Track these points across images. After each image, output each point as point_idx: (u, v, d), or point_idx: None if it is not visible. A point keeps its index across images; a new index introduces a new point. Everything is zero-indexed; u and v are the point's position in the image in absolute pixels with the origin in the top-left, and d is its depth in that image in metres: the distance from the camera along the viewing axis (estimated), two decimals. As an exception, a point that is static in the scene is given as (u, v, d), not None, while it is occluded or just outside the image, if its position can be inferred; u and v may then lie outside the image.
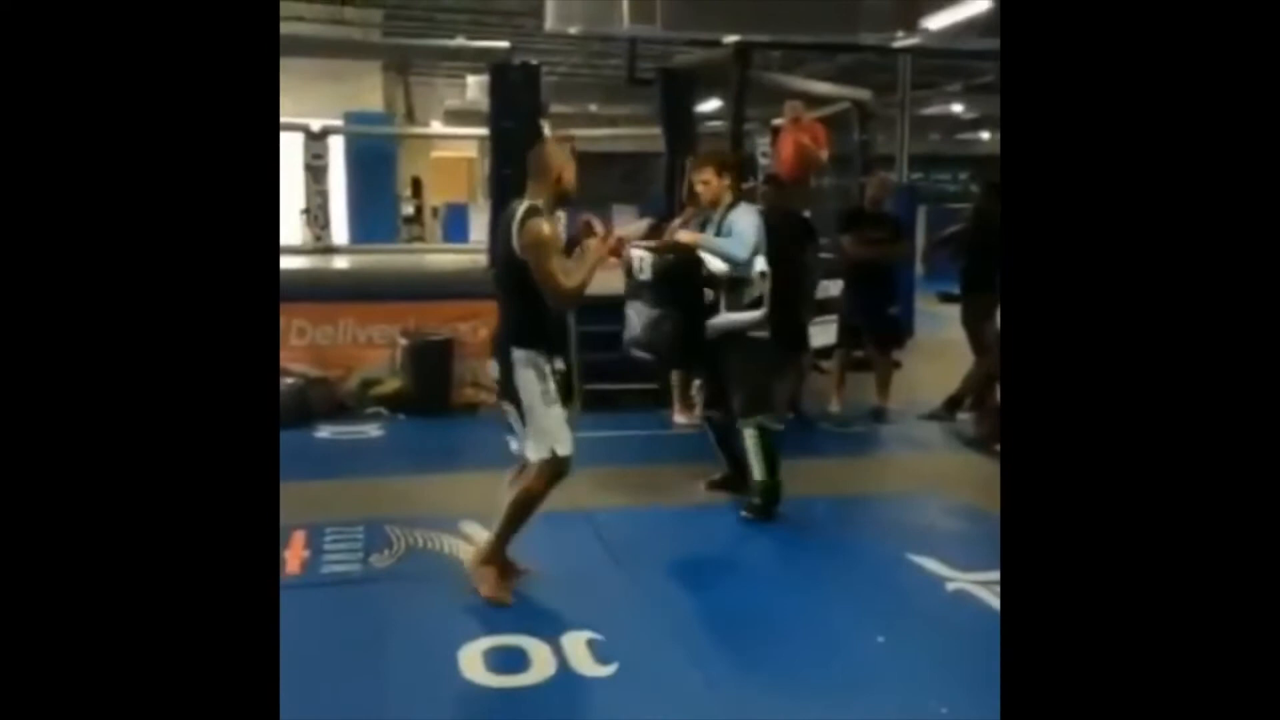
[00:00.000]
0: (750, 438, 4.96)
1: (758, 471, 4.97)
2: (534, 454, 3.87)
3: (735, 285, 4.87)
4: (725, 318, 4.88)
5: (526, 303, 3.80)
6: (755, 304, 4.92)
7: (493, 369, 4.01)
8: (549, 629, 3.55)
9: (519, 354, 3.81)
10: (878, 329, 7.30)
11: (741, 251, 4.81)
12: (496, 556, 3.97)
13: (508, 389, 3.87)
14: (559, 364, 3.86)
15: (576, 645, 3.45)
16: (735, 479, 5.19)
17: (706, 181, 4.95)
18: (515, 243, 3.72)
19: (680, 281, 4.84)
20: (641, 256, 4.93)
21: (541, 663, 3.34)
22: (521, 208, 3.76)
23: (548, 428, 3.82)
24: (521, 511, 3.94)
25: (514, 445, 4.15)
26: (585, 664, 3.35)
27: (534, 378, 3.80)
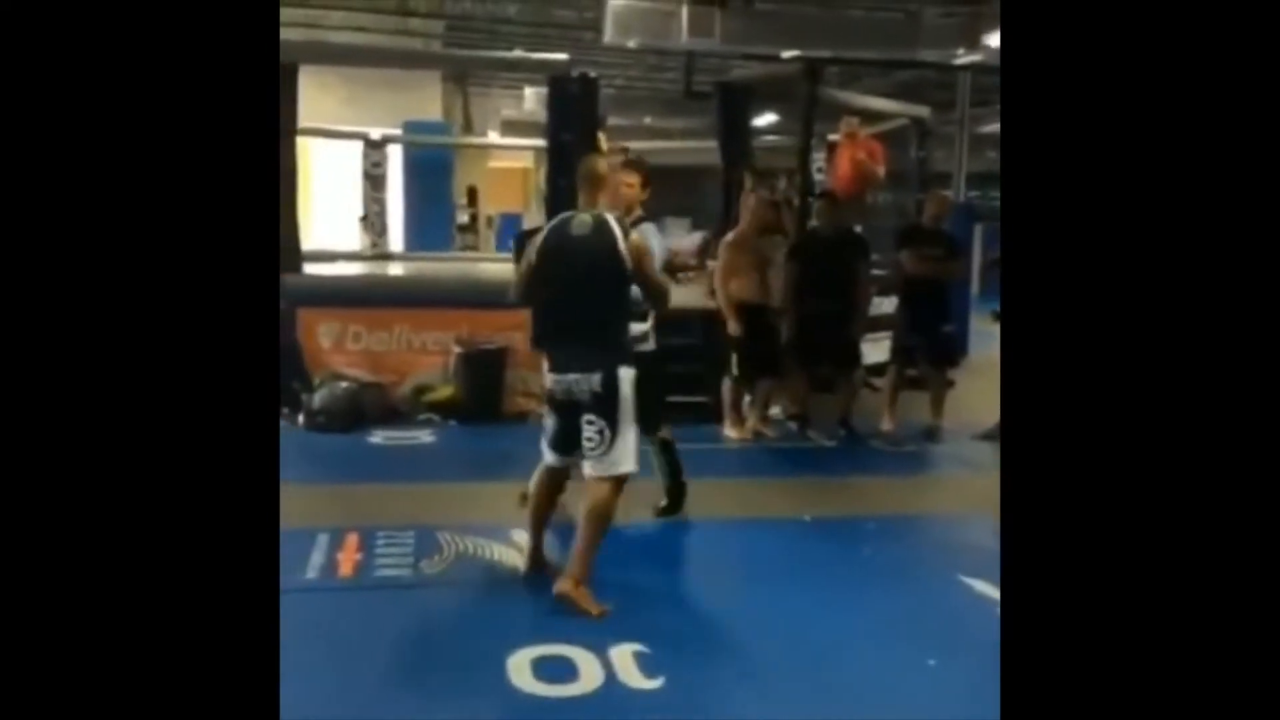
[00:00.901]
0: (656, 454, 4.93)
1: (666, 478, 5.03)
2: (615, 469, 3.87)
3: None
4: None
5: (626, 316, 3.91)
6: (643, 317, 4.51)
7: (558, 381, 3.92)
8: (597, 640, 3.55)
9: (626, 371, 3.84)
10: (932, 347, 7.23)
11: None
12: (588, 574, 3.91)
13: (604, 404, 3.82)
14: None
15: (624, 657, 3.45)
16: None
17: (631, 185, 4.48)
18: (625, 254, 3.77)
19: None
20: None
21: (589, 674, 3.35)
22: (612, 219, 3.84)
23: (632, 446, 3.88)
24: (603, 528, 3.93)
25: (554, 459, 4.11)
26: (633, 676, 3.34)
27: (632, 396, 3.84)
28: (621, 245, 3.78)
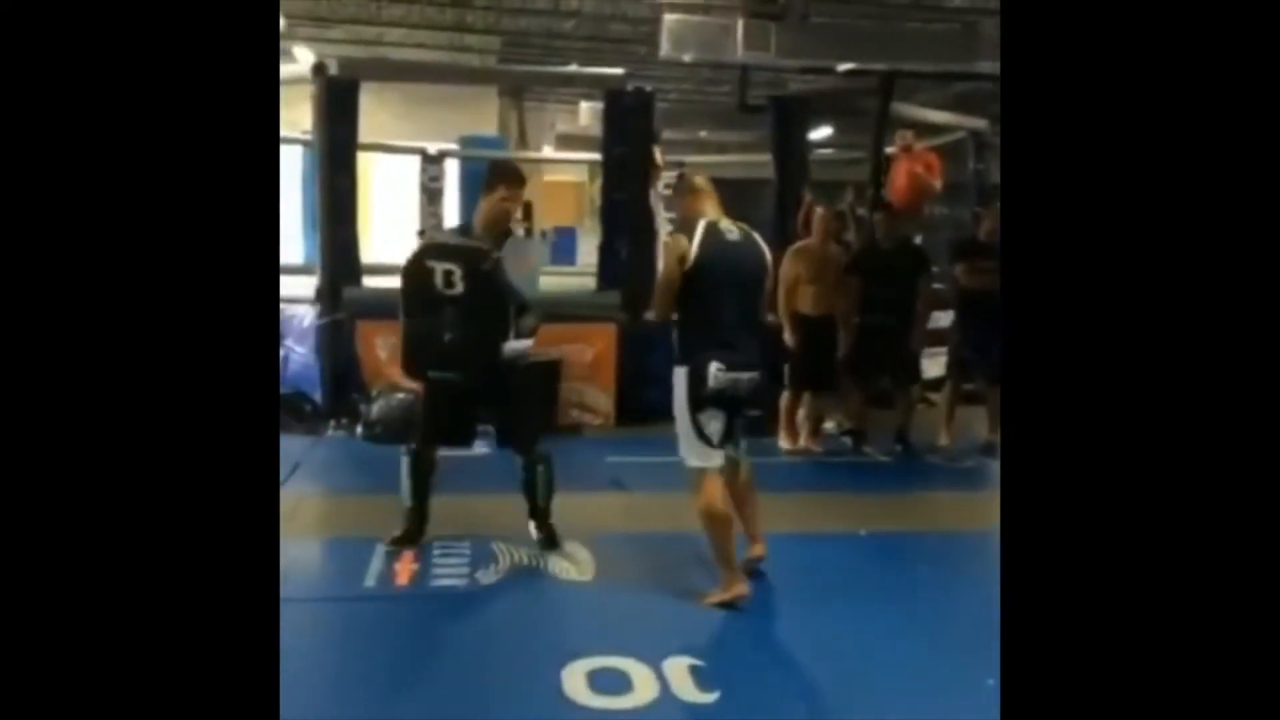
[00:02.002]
0: (542, 471, 4.73)
1: (545, 499, 4.76)
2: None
3: (522, 311, 4.64)
4: (513, 345, 4.61)
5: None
6: (531, 333, 4.71)
7: (734, 379, 4.01)
8: (651, 652, 3.55)
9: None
10: (989, 361, 7.14)
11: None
12: (733, 567, 4.11)
13: (762, 397, 4.38)
14: None
15: (679, 670, 3.44)
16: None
17: (517, 200, 4.74)
18: (769, 264, 4.30)
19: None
20: None
21: (643, 686, 3.34)
22: (755, 234, 4.25)
23: None
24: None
25: (717, 457, 4.13)
26: (687, 690, 3.33)
27: None
28: (766, 256, 4.25)
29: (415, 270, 4.51)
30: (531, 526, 4.77)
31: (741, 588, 4.07)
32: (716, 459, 4.10)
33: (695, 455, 4.07)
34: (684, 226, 4.22)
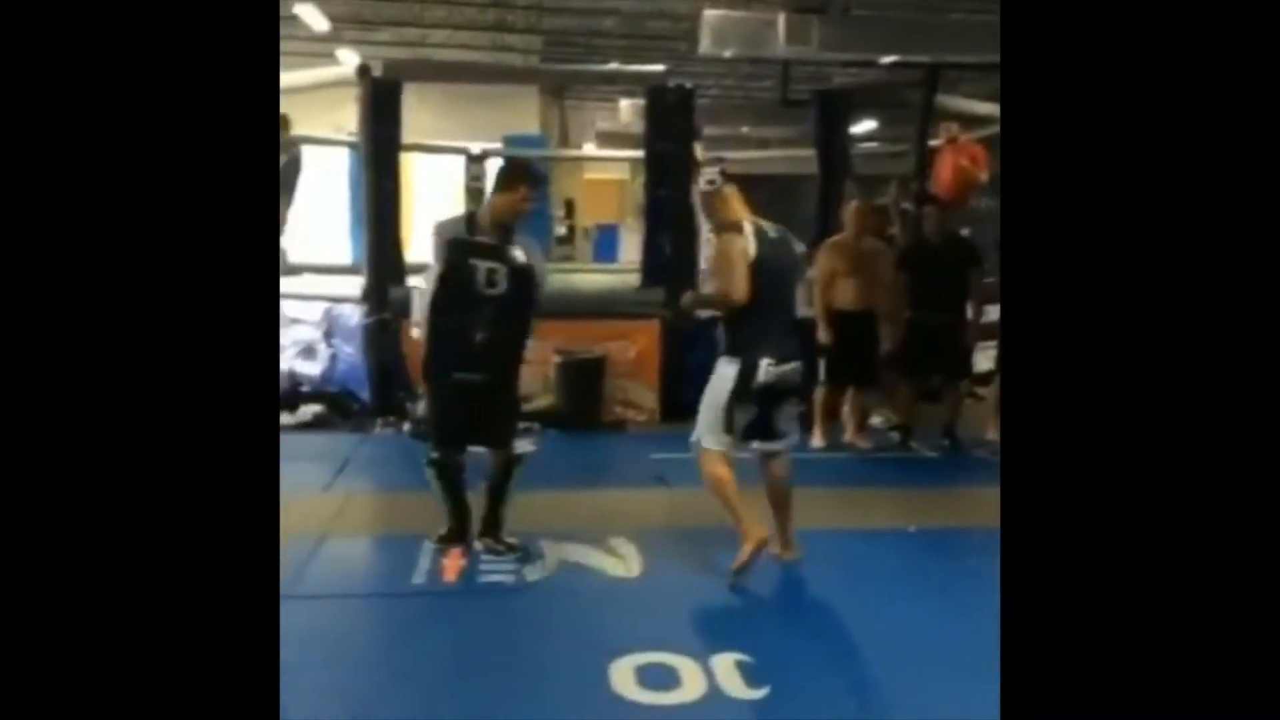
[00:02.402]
0: (516, 473, 4.65)
1: (505, 504, 4.66)
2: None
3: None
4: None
5: None
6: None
7: (780, 372, 4.27)
8: (699, 648, 3.54)
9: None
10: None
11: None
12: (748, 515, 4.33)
13: (802, 388, 4.67)
14: None
15: (726, 666, 3.43)
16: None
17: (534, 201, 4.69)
18: (802, 261, 4.62)
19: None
20: None
21: (692, 682, 3.34)
22: (788, 232, 4.44)
23: None
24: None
25: (733, 446, 4.38)
26: (736, 686, 3.33)
27: None
28: (800, 257, 4.56)
29: (458, 268, 4.42)
30: (484, 543, 4.59)
31: (761, 530, 4.27)
32: (727, 446, 4.37)
33: (715, 440, 4.35)
34: (728, 227, 4.30)
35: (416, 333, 4.90)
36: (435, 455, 4.56)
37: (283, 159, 9.31)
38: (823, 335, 6.70)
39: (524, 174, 4.65)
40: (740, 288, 4.20)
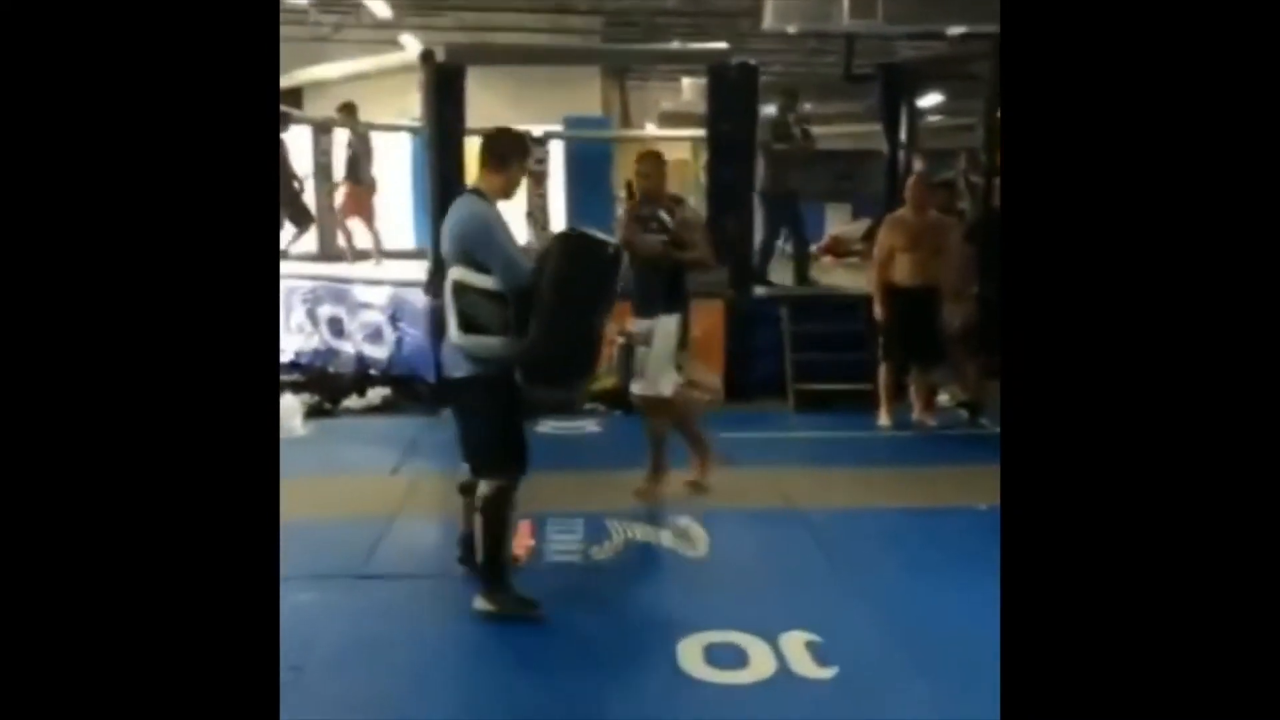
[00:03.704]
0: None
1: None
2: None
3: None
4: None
5: None
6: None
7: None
8: (768, 627, 3.53)
9: None
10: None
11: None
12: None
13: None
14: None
15: (795, 646, 3.42)
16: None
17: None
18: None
19: None
20: None
21: (760, 661, 3.34)
22: None
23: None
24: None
25: None
26: (804, 665, 3.31)
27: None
28: None
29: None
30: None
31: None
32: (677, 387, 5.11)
33: (670, 385, 5.04)
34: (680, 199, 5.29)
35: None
36: (504, 485, 3.87)
37: (352, 145, 9.44)
38: (878, 312, 6.62)
39: (518, 146, 3.92)
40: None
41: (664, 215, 4.93)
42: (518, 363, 3.59)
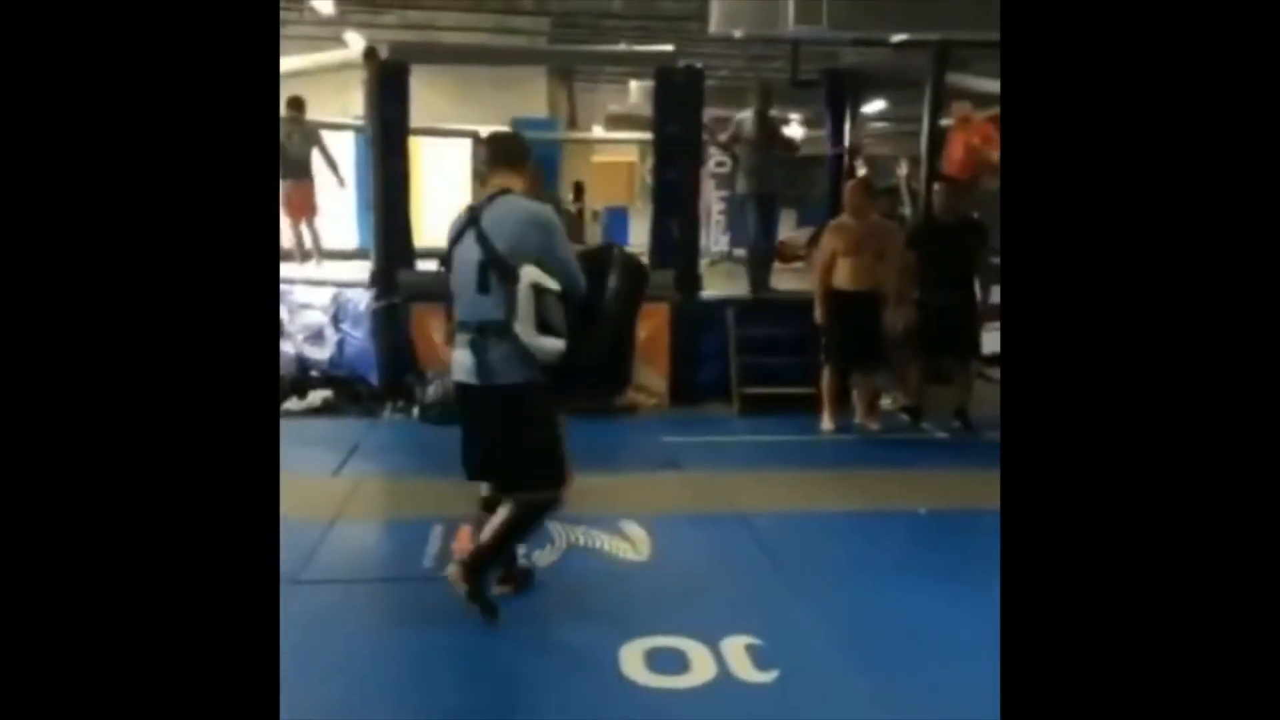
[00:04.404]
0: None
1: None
2: None
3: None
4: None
5: None
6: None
7: None
8: (709, 632, 3.53)
9: None
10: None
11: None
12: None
13: None
14: None
15: (736, 650, 3.42)
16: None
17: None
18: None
19: None
20: None
21: (701, 666, 3.33)
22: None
23: None
24: None
25: None
26: (745, 669, 3.31)
27: None
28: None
29: None
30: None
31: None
32: None
33: None
34: None
35: None
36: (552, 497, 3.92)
37: (302, 142, 9.29)
38: (818, 315, 6.69)
39: (528, 146, 3.94)
40: None
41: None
42: (578, 368, 3.55)
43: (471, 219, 3.59)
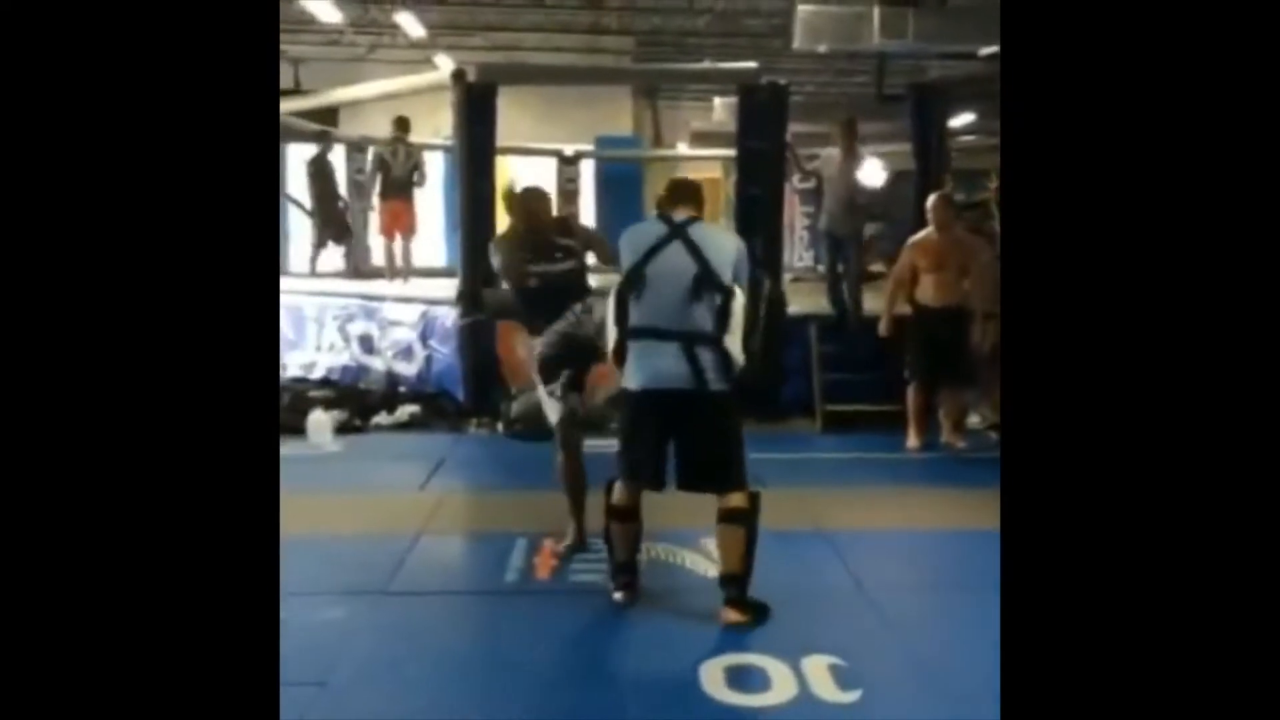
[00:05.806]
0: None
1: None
2: None
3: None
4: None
5: None
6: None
7: None
8: (790, 650, 3.51)
9: None
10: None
11: None
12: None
13: None
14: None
15: (818, 669, 3.39)
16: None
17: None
18: None
19: None
20: None
21: (783, 684, 3.31)
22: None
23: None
24: None
25: None
26: (827, 689, 3.28)
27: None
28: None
29: None
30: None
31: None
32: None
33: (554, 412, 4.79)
34: None
35: None
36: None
37: (406, 161, 9.51)
38: (883, 330, 6.63)
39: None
40: None
41: (566, 241, 4.82)
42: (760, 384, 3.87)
43: (672, 235, 3.79)
